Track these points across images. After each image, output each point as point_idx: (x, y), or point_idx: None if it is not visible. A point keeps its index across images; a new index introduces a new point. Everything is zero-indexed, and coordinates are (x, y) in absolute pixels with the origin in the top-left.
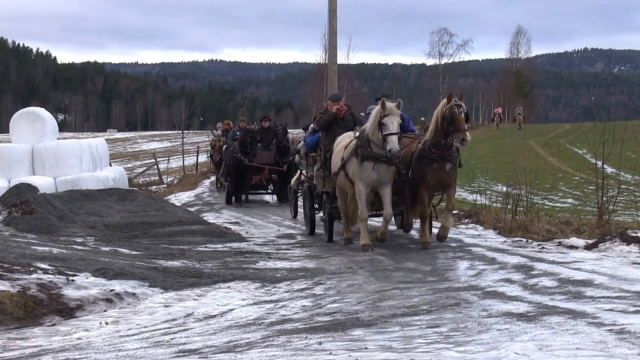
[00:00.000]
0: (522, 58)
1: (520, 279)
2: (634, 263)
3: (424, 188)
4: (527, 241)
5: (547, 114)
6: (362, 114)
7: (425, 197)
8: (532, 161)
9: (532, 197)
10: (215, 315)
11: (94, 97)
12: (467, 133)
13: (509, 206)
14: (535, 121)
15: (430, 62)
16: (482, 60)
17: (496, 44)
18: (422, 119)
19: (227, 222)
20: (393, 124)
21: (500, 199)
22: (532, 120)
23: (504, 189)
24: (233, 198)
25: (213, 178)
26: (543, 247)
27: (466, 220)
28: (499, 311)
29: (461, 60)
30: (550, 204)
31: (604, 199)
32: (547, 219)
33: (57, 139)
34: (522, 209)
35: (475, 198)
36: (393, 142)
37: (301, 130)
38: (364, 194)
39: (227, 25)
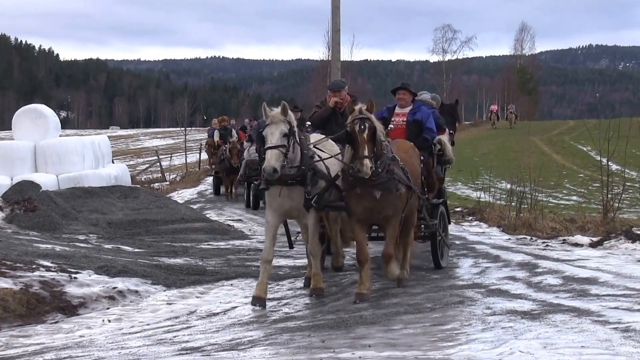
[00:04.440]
0: (526, 54)
1: (524, 277)
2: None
3: (355, 221)
4: (531, 239)
5: (551, 111)
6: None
7: (358, 233)
8: (537, 158)
9: (537, 194)
10: (218, 313)
11: (96, 94)
12: (366, 162)
13: (513, 203)
14: (539, 118)
15: (433, 58)
16: (486, 56)
17: (500, 41)
18: None
19: (229, 220)
20: (273, 135)
21: (504, 196)
22: (536, 117)
23: (508, 186)
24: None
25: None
26: (547, 245)
27: (470, 218)
28: (503, 309)
29: (465, 56)
30: (554, 201)
31: (609, 196)
32: (551, 216)
33: (60, 136)
34: (526, 206)
35: (479, 195)
36: (267, 159)
37: None
38: (273, 227)
39: (229, 21)
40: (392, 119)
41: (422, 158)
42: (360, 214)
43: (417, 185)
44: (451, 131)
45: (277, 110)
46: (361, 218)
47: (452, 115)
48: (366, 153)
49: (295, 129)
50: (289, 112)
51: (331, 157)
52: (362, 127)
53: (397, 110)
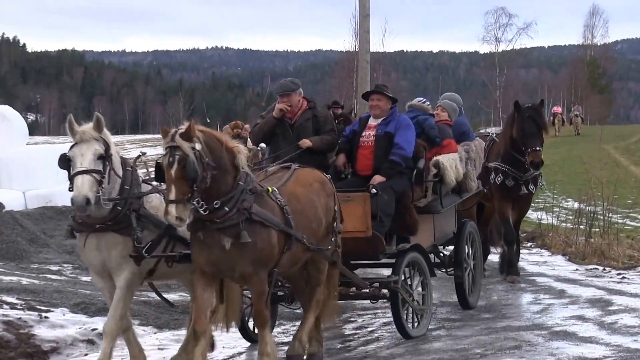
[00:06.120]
0: (598, 44)
1: (595, 316)
2: None
3: (198, 274)
4: (604, 269)
5: (628, 113)
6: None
7: (198, 291)
8: (610, 171)
9: (611, 215)
10: None
11: (71, 92)
12: (172, 208)
13: (581, 227)
14: (613, 122)
15: (484, 49)
16: (549, 47)
17: (566, 27)
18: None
19: None
20: (84, 156)
21: (570, 217)
22: (609, 121)
23: (576, 205)
24: None
25: None
26: (624, 277)
27: (529, 244)
28: (570, 355)
29: (522, 47)
30: (632, 223)
31: None
32: (628, 242)
33: (27, 144)
34: (597, 230)
35: (540, 216)
36: (77, 188)
37: None
38: (104, 291)
39: (233, 4)
40: (362, 134)
41: (373, 192)
42: (205, 267)
43: (312, 232)
44: (537, 147)
45: (88, 126)
46: (207, 272)
47: (537, 123)
48: (173, 196)
49: (113, 151)
50: (105, 129)
51: (144, 194)
52: (170, 160)
53: (371, 121)
